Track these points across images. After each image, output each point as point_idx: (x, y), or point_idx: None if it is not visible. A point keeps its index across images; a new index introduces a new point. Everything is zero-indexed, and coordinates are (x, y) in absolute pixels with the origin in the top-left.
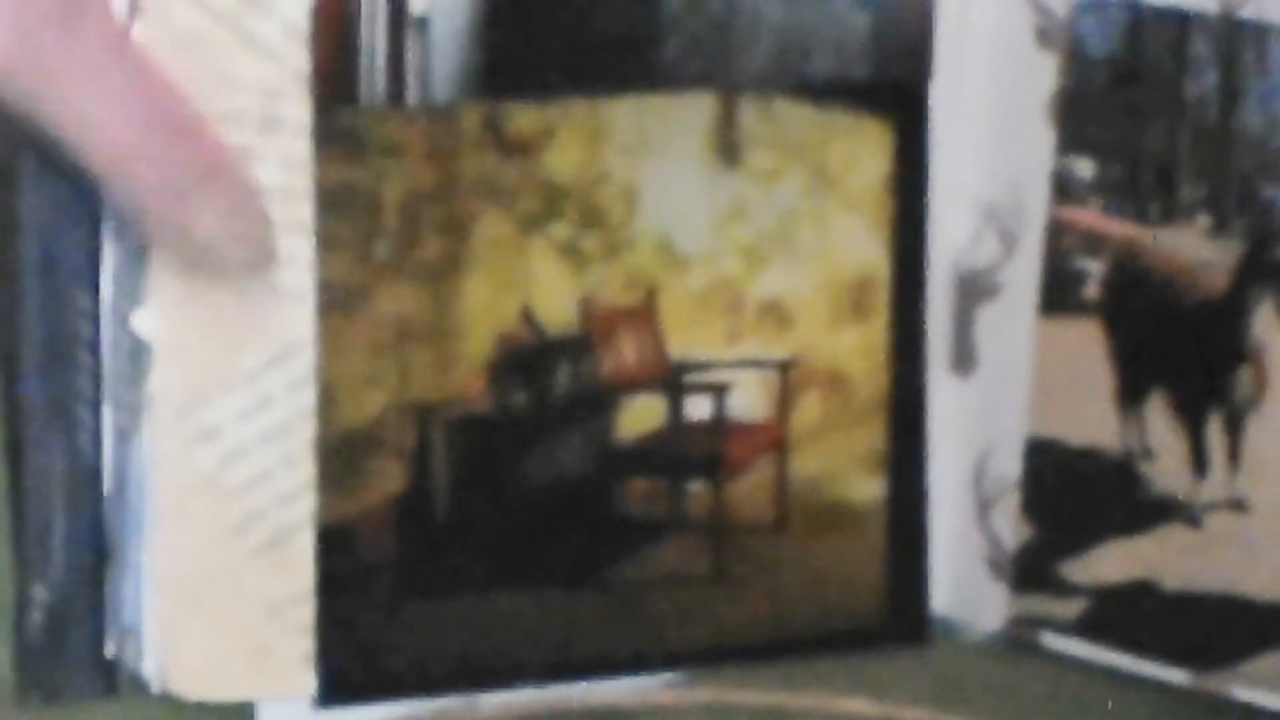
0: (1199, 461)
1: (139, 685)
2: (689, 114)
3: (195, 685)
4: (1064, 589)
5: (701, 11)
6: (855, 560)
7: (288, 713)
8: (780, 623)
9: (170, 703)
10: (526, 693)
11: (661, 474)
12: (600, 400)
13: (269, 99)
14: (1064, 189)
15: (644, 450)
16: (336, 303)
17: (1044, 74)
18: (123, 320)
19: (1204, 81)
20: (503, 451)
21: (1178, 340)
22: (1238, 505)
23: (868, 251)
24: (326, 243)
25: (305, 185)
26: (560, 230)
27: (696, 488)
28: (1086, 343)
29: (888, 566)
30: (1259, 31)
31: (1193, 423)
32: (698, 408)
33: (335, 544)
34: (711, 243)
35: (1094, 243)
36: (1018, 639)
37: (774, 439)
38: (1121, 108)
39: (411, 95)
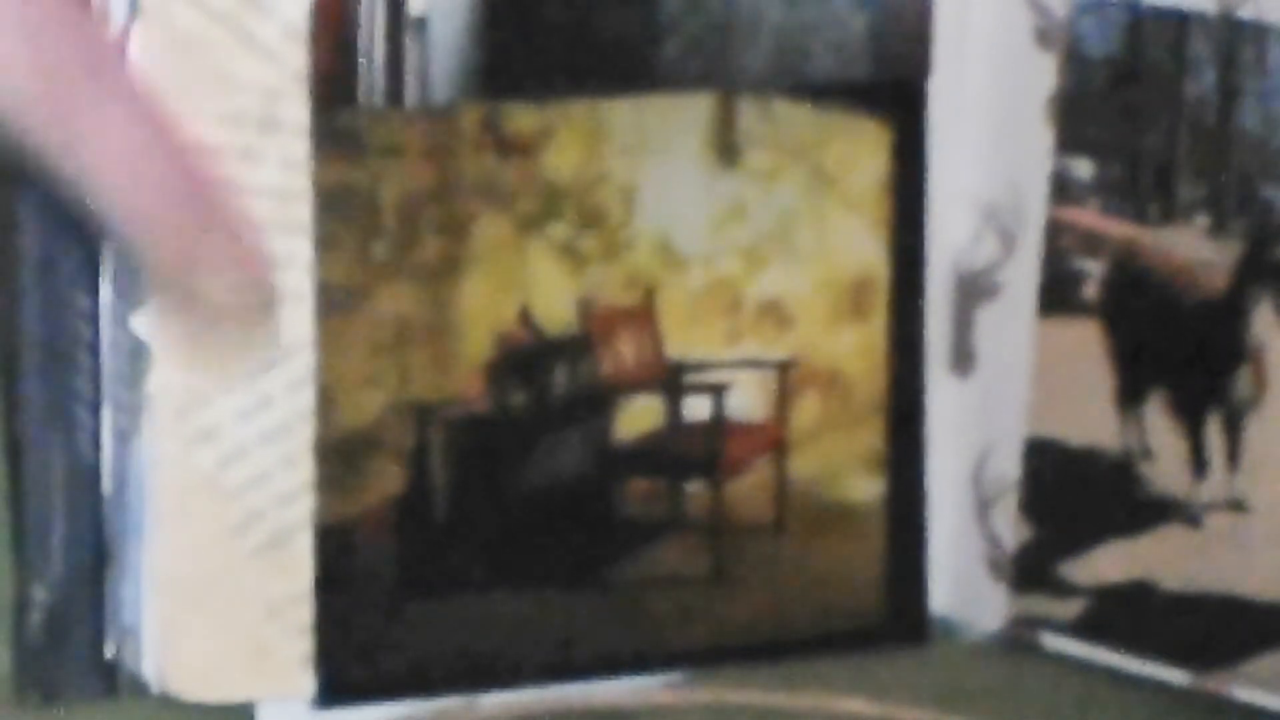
0: (1198, 461)
1: (139, 686)
2: (688, 114)
3: (194, 685)
4: (1063, 589)
5: (700, 12)
6: (855, 560)
7: (287, 713)
8: (780, 623)
9: (170, 703)
10: (526, 693)
11: (660, 474)
12: (599, 400)
13: (268, 100)
14: (1063, 189)
15: (643, 450)
16: (336, 303)
17: (1043, 74)
18: (122, 321)
19: (1203, 81)
20: (502, 452)
21: (1177, 340)
22: (1237, 505)
23: (867, 251)
24: (325, 243)
25: (304, 186)
26: (559, 230)
27: (695, 488)
28: (1086, 343)
29: (887, 566)
30: (1258, 32)
31: (1192, 423)
32: (697, 408)
33: (334, 544)
34: (710, 243)
35: (1093, 243)
36: (1017, 639)
37: (773, 439)
38: (1121, 108)
39: (410, 96)
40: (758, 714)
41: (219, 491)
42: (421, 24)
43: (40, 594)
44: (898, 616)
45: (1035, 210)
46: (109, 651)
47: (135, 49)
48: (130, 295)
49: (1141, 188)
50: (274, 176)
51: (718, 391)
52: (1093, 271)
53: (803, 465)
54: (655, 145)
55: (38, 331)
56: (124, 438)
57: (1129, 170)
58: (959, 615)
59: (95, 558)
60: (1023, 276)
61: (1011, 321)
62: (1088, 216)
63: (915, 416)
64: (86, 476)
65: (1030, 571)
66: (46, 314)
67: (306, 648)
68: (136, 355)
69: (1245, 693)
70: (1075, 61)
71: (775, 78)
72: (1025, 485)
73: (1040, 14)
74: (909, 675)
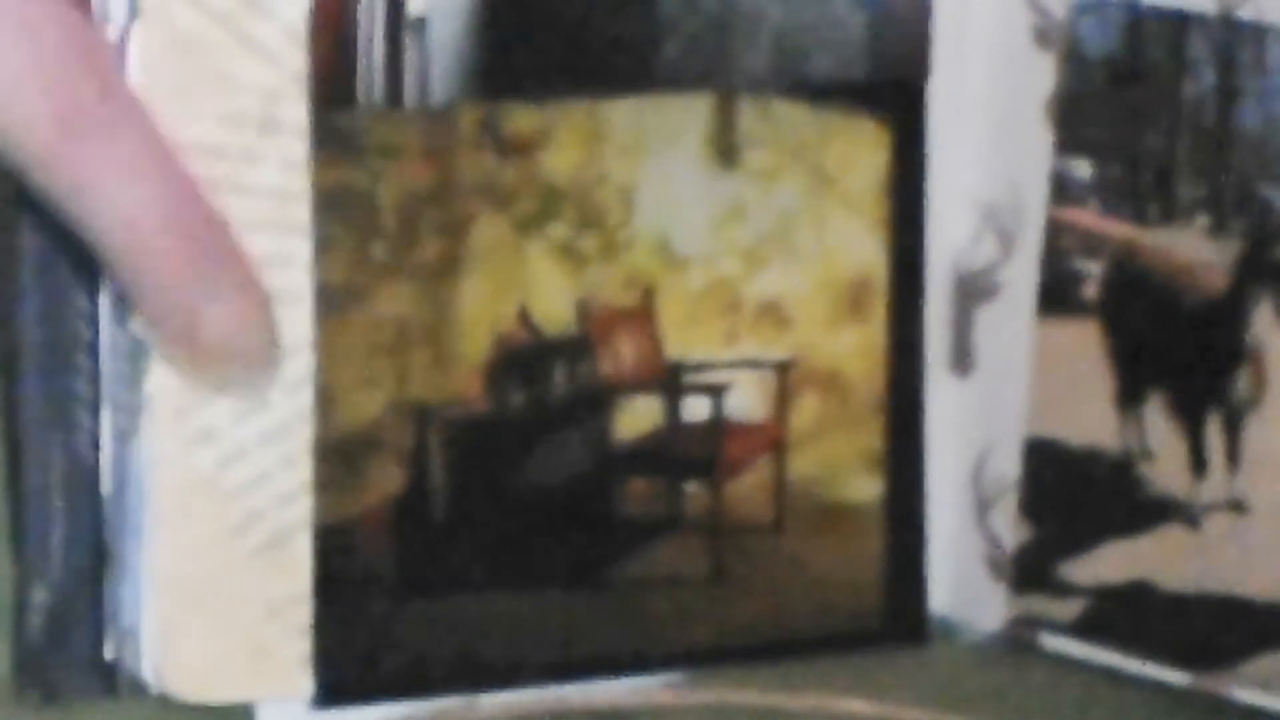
0: (1198, 462)
1: (138, 686)
2: (687, 114)
3: (193, 686)
4: (1063, 589)
5: (699, 12)
6: (854, 560)
7: (286, 713)
8: (779, 623)
9: (169, 704)
10: (525, 693)
11: (660, 474)
12: (598, 401)
13: (268, 100)
14: (1063, 189)
15: (642, 451)
16: (334, 304)
17: (1042, 74)
18: (121, 322)
19: (1202, 82)
20: (501, 452)
21: (1177, 341)
22: (1237, 506)
23: (866, 252)
24: (324, 244)
25: (303, 186)
26: (558, 231)
27: (695, 488)
28: (1085, 343)
29: (886, 567)
30: (1257, 32)
31: (1192, 423)
32: (696, 408)
33: (334, 545)
34: (710, 243)
35: (1093, 243)
36: (1016, 639)
37: (772, 439)
38: (1120, 108)
39: (409, 97)
40: (757, 714)
41: (218, 492)
42: (420, 25)
43: (40, 594)
44: (897, 617)
45: (1035, 210)
46: (109, 652)
47: (135, 49)
48: (130, 296)
49: (1141, 188)
50: (273, 177)
51: (717, 392)
52: (1092, 272)
53: (802, 465)
54: (655, 145)
55: (37, 331)
56: (123, 438)
57: (1128, 170)
58: (958, 615)
59: (95, 558)
60: (1022, 276)
61: (1011, 322)
62: (1087, 217)
63: (915, 416)
64: (86, 477)
65: (1030, 572)
66: (46, 314)
67: (306, 648)
68: (136, 356)
69: (1245, 693)
70: (1075, 62)
71: (775, 78)
72: (1025, 485)
73: (1040, 14)
74: (908, 675)
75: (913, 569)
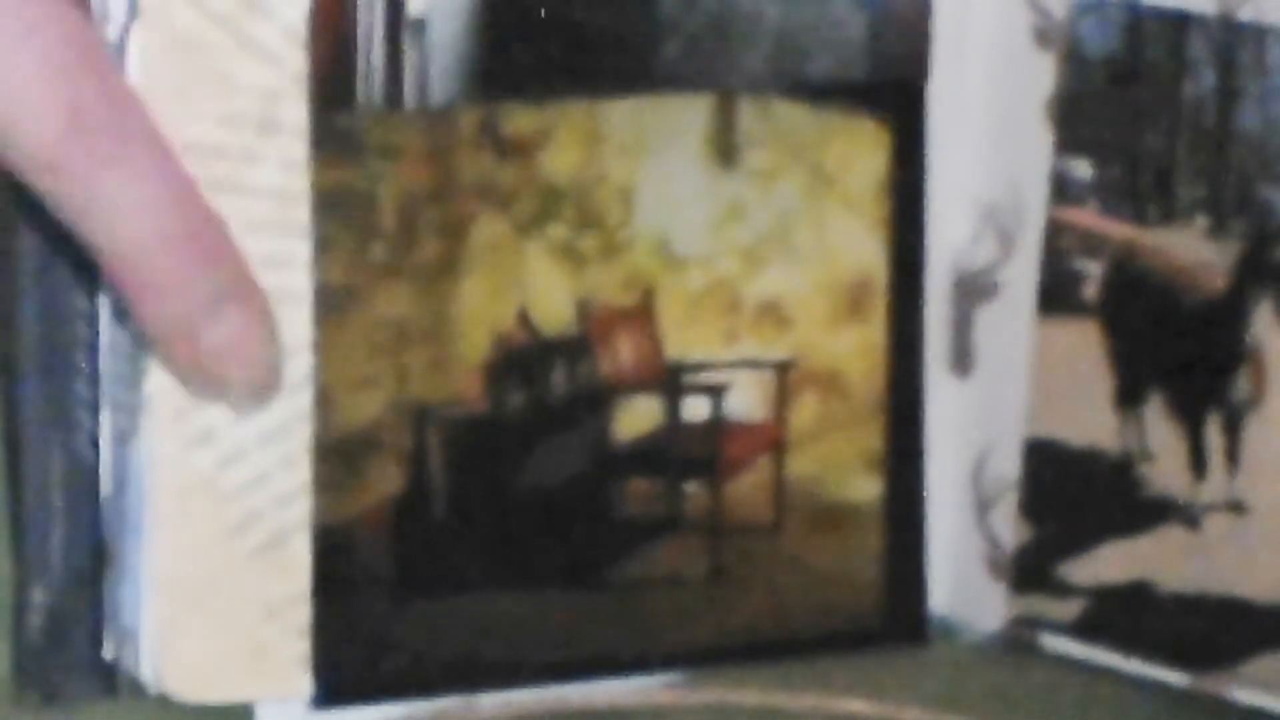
0: (1198, 463)
1: (138, 687)
2: (686, 115)
3: (192, 686)
4: (1063, 589)
5: (699, 12)
6: (853, 560)
7: (285, 713)
8: (779, 623)
9: (169, 704)
10: (525, 693)
11: (659, 474)
12: (598, 401)
13: (267, 101)
14: (1062, 189)
15: (641, 451)
16: (334, 304)
17: (1042, 74)
18: (121, 322)
19: (1203, 82)
20: (500, 452)
21: (1176, 341)
22: (1236, 507)
23: (866, 252)
24: (324, 244)
25: (303, 187)
26: (558, 231)
27: (694, 488)
28: (1085, 343)
29: (886, 567)
30: (1258, 33)
31: (1191, 424)
32: (695, 408)
33: (333, 545)
34: (709, 243)
35: (1093, 243)
36: (1016, 639)
37: (772, 439)
38: (1120, 108)
39: (409, 97)
40: (757, 714)
41: (217, 492)
42: (420, 26)
43: (39, 595)
44: (897, 617)
45: (1035, 210)
46: (108, 652)
47: (134, 50)
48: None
49: (1141, 188)
50: (273, 177)
51: (716, 392)
52: (1092, 272)
53: (802, 465)
54: (654, 145)
55: (37, 331)
56: (123, 438)
57: (1128, 171)
58: (958, 615)
59: (94, 558)
60: (1022, 277)
61: (1011, 322)
62: (1087, 217)
63: (914, 416)
64: (85, 477)
65: (1030, 572)
66: (45, 315)
67: (305, 648)
68: (136, 356)
69: (1244, 694)
70: (1075, 62)
71: (775, 78)
72: (1025, 485)
73: (1039, 14)
74: (908, 675)
75: (912, 569)
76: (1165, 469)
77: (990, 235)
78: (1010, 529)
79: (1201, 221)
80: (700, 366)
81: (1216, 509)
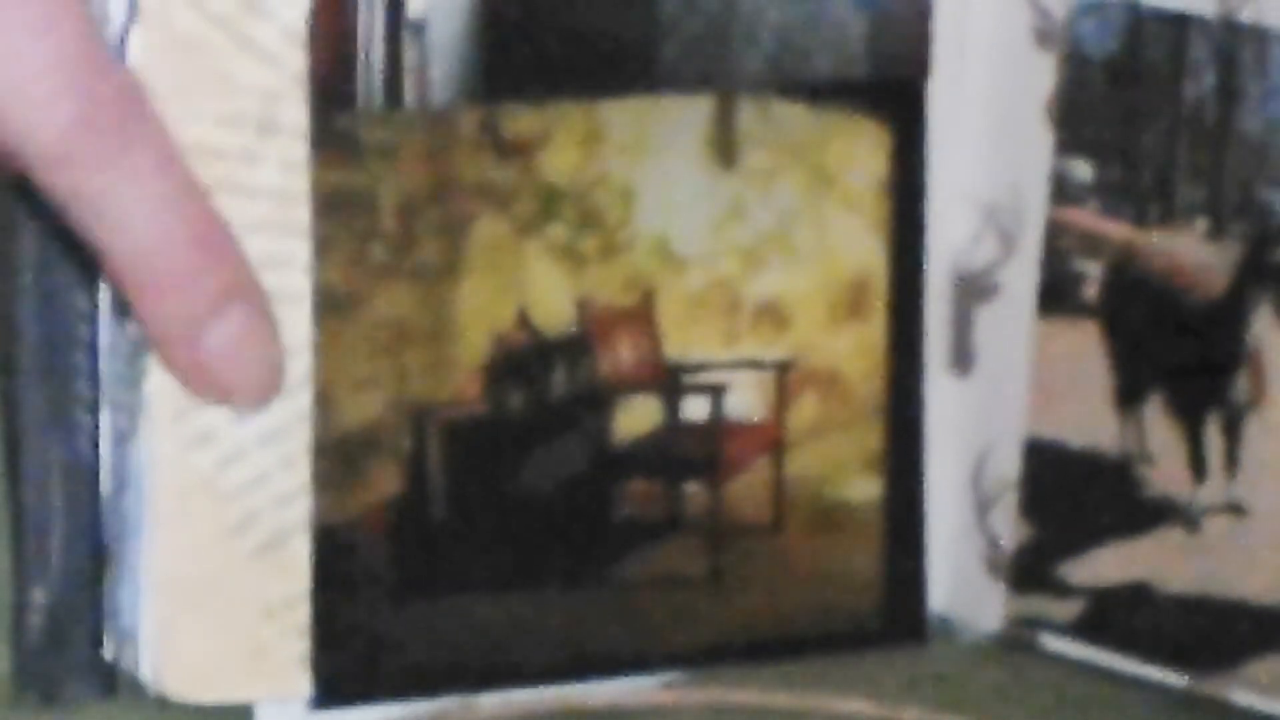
0: (1197, 464)
1: (137, 687)
2: (686, 115)
3: (192, 686)
4: (1062, 590)
5: (699, 12)
6: (853, 560)
7: (285, 714)
8: (778, 623)
9: (169, 704)
10: (524, 693)
11: (659, 475)
12: (597, 401)
13: (267, 102)
14: (1063, 190)
15: (641, 451)
16: (334, 305)
17: (1043, 75)
18: (121, 322)
19: (1203, 84)
20: (500, 453)
21: (1176, 342)
22: (1236, 508)
23: (866, 252)
24: (323, 245)
25: (303, 187)
26: (557, 232)
27: (694, 488)
28: (1085, 344)
29: (886, 567)
30: (1258, 34)
31: (1191, 425)
32: (695, 408)
33: (332, 545)
34: (709, 243)
35: (1093, 244)
36: (1015, 639)
37: (771, 439)
38: (1120, 109)
39: (409, 98)
40: (757, 714)
41: (217, 492)
42: (420, 26)
43: (39, 595)
44: (896, 616)
45: (1035, 211)
46: (108, 652)
47: (134, 50)
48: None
49: (1141, 189)
50: (273, 178)
51: (716, 392)
52: (1092, 273)
53: (801, 465)
54: (654, 146)
55: (36, 332)
56: (123, 438)
57: (1128, 172)
58: (957, 615)
59: (94, 559)
60: (1022, 277)
61: (1011, 322)
62: (1087, 218)
63: (914, 417)
64: (85, 477)
65: (1029, 572)
66: (45, 314)
67: (304, 648)
68: (136, 356)
69: (1243, 696)
70: (1075, 62)
71: (775, 78)
72: (1024, 486)
73: (1040, 14)
74: (908, 675)
75: (912, 569)
76: (1165, 470)
77: (990, 235)
78: (1010, 529)
79: (1201, 222)
80: (700, 366)
81: (1216, 510)
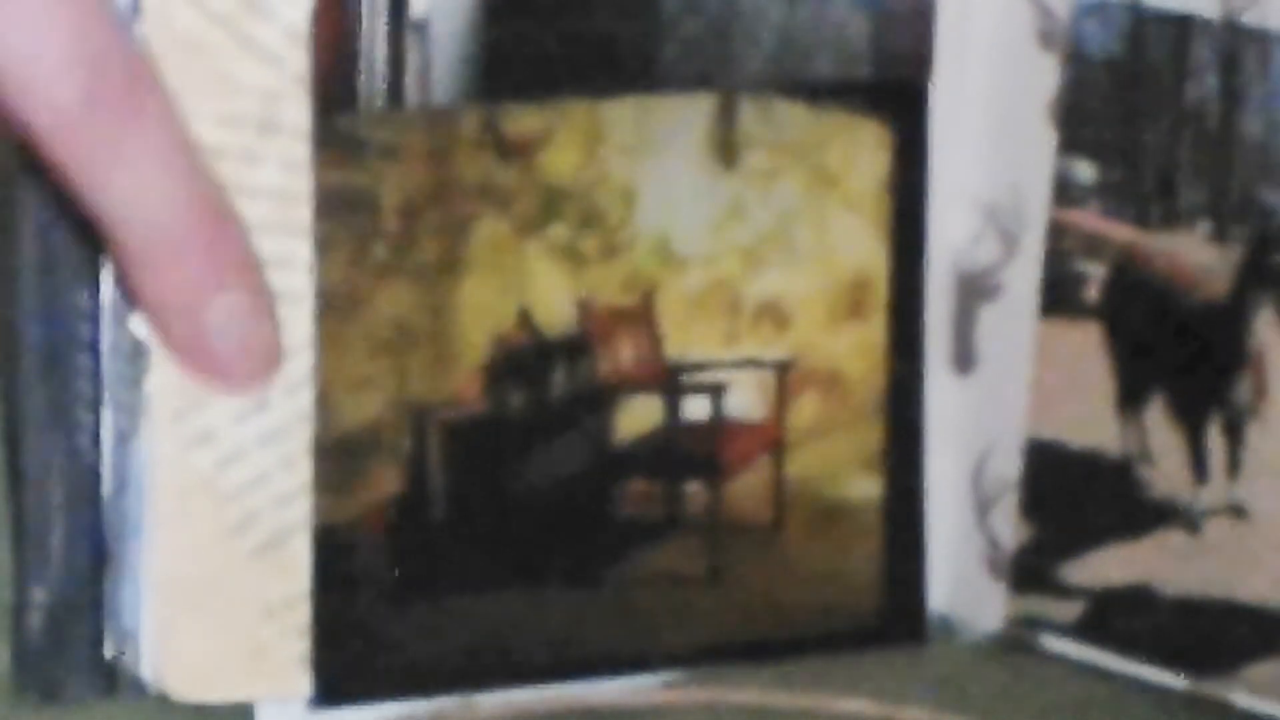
0: (1198, 466)
1: (138, 686)
2: (687, 115)
3: (192, 686)
4: (1062, 591)
5: (700, 12)
6: (853, 560)
7: (285, 713)
8: (778, 622)
9: (169, 704)
10: (524, 693)
11: (659, 474)
12: (598, 401)
13: (268, 102)
14: (1064, 191)
15: (641, 451)
16: (334, 305)
17: (1045, 75)
18: (122, 322)
19: (1205, 85)
20: (500, 452)
21: (1178, 344)
22: (1237, 510)
23: (867, 252)
24: (324, 245)
25: (304, 187)
26: (558, 231)
27: (694, 488)
28: (1086, 345)
29: (886, 566)
30: (1261, 36)
31: (1192, 427)
32: (695, 408)
33: (332, 545)
34: (710, 243)
35: (1094, 245)
36: (1016, 640)
37: (772, 439)
38: (1122, 110)
39: (410, 98)
40: (757, 714)
41: (217, 492)
42: (421, 26)
43: (39, 595)
44: (896, 616)
45: (1036, 212)
46: (108, 652)
47: None
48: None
49: (1143, 191)
50: (274, 178)
51: (716, 392)
52: (1094, 274)
53: (801, 465)
54: (655, 146)
55: (37, 332)
56: (123, 438)
57: (1130, 173)
58: (957, 616)
59: (95, 558)
60: (1023, 278)
61: (1012, 323)
62: (1089, 219)
63: (915, 417)
64: (86, 477)
65: (1030, 572)
66: (46, 314)
67: (304, 648)
68: (136, 356)
69: (1243, 698)
70: (1077, 63)
71: (775, 78)
72: (1025, 486)
73: (1042, 15)
74: (908, 675)
75: (912, 569)
76: (1166, 472)
77: (992, 236)
78: (1010, 529)
79: (1203, 224)
80: (700, 366)
81: (1217, 512)
